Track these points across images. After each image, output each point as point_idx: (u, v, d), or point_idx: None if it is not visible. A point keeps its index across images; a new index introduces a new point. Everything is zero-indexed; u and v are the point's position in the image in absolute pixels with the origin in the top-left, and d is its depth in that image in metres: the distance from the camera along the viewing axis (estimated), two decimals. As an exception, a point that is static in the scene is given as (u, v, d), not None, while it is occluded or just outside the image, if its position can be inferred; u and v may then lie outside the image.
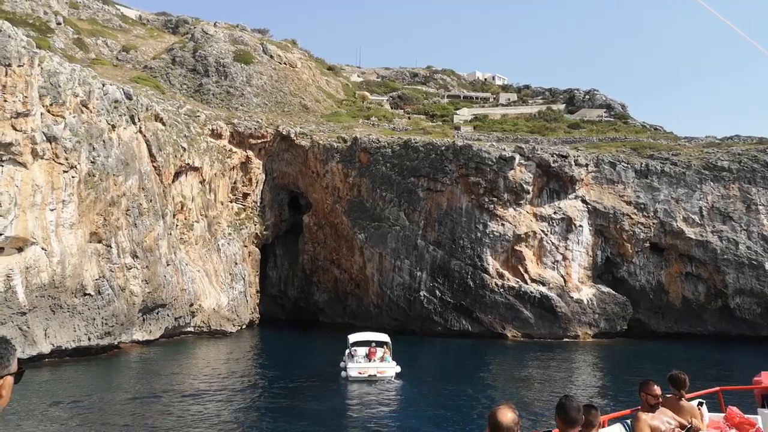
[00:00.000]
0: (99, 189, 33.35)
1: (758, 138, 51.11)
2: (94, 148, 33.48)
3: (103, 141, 34.45)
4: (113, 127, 35.70)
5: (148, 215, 37.77)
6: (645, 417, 6.33)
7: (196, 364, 33.79)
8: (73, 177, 31.03)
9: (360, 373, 28.05)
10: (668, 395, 7.12)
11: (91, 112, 33.97)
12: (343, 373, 28.90)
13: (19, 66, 27.51)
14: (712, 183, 45.00)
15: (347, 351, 30.37)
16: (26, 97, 27.64)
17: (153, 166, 40.49)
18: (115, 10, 69.46)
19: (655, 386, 6.50)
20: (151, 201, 38.52)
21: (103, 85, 36.11)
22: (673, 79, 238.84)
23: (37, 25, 53.05)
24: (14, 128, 27.21)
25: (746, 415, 7.89)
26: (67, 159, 30.44)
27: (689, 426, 6.49)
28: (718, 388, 9.17)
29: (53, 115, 29.98)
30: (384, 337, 31.18)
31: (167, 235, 39.93)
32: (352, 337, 30.90)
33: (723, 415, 7.99)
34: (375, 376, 28.01)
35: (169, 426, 20.59)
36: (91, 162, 33.02)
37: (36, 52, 29.21)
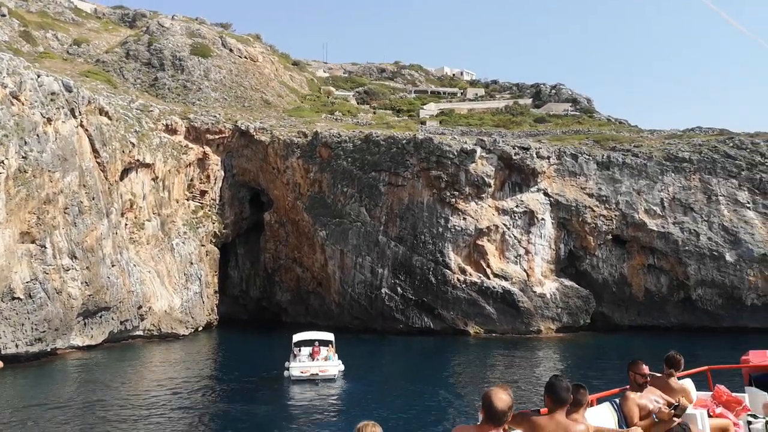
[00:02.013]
0: (31, 186, 31.05)
1: (719, 129, 50.62)
2: (26, 143, 31.19)
3: (37, 135, 32.16)
4: (49, 120, 33.38)
5: (90, 214, 35.52)
6: (633, 396, 6.40)
7: (137, 370, 31.88)
8: (0, 173, 28.71)
9: (302, 373, 27.46)
10: (657, 374, 7.16)
11: (22, 104, 31.64)
12: (285, 373, 28.15)
13: (-70, 52, 25.17)
14: (673, 174, 44.24)
15: (291, 351, 29.61)
16: (-61, 85, 25.31)
17: (96, 162, 38.24)
18: (68, 2, 66.54)
19: (644, 366, 6.55)
20: (93, 199, 36.26)
21: (38, 76, 33.76)
22: (641, 72, 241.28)
23: (-21, 17, 50.18)
24: (-74, 119, 24.85)
25: (733, 394, 7.94)
26: (-9, 153, 28.10)
27: (677, 404, 6.44)
28: (706, 368, 9.12)
29: (-25, 106, 27.63)
30: (328, 336, 30.78)
31: (112, 234, 37.70)
32: (296, 337, 30.35)
33: (711, 393, 8.02)
34: (317, 375, 27.45)
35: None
36: (23, 157, 30.72)
37: (-49, 38, 26.83)
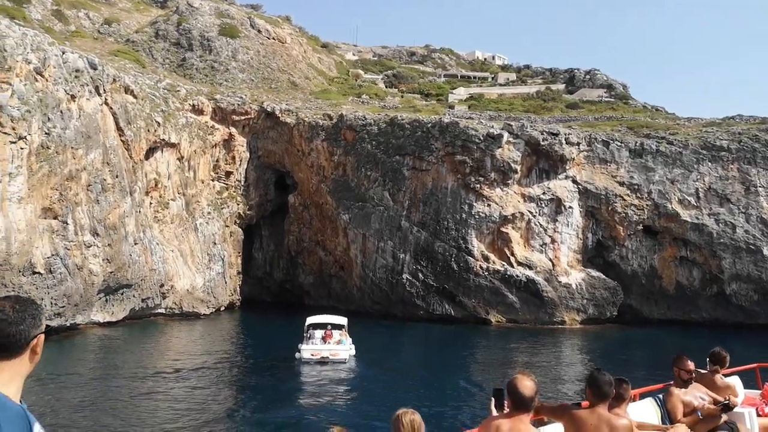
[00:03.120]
0: (54, 162, 31.14)
1: (761, 117, 48.08)
2: (49, 119, 31.24)
3: (61, 111, 32.20)
4: (73, 97, 33.39)
5: (113, 191, 35.61)
6: (677, 392, 6.27)
7: (155, 347, 32.22)
8: (21, 148, 28.85)
9: (313, 355, 27.69)
10: (702, 371, 7.00)
11: (46, 80, 31.66)
12: (297, 355, 28.31)
13: (-47, 26, 25.20)
14: (709, 163, 42.23)
15: (304, 334, 29.76)
16: (-39, 60, 25.36)
17: (121, 140, 38.27)
18: (101, -17, 66.78)
19: (689, 361, 6.40)
20: (117, 177, 36.35)
21: (63, 53, 33.74)
22: (681, 60, 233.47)
23: (13, -4, 50.61)
24: (-52, 93, 24.95)
25: None
26: (14, 129, 28.22)
27: (726, 401, 6.29)
28: (755, 365, 8.89)
29: (-3, 81, 27.69)
30: (341, 320, 30.90)
31: (135, 212, 37.80)
32: (309, 320, 30.52)
33: (760, 392, 7.84)
34: (327, 358, 27.59)
35: (106, 406, 19.90)
36: (46, 133, 30.79)
37: (-26, 12, 26.82)
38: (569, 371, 29.33)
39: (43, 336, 2.24)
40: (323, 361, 27.49)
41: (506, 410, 4.19)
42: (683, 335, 38.02)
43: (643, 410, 6.04)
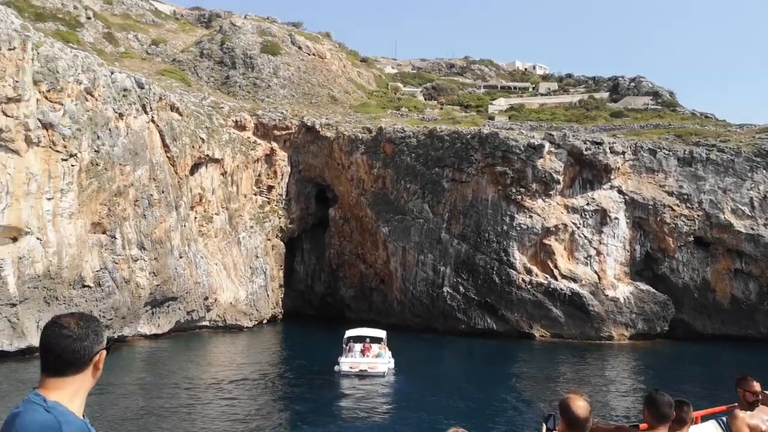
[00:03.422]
0: (103, 178, 32.14)
1: (820, 122, 45.77)
2: (98, 137, 32.30)
3: (109, 129, 33.26)
4: (121, 115, 34.47)
5: (159, 206, 36.48)
6: (743, 415, 5.98)
7: (199, 359, 32.73)
8: (72, 165, 29.89)
9: (351, 368, 27.87)
10: None
11: (96, 99, 32.79)
12: (336, 368, 28.49)
13: (9, 50, 26.40)
14: (764, 171, 40.40)
15: (343, 346, 30.01)
16: (17, 81, 26.52)
17: (167, 156, 39.24)
18: (149, 5, 69.33)
19: (754, 382, 6.13)
20: (163, 192, 37.24)
21: (112, 73, 34.94)
22: (732, 66, 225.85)
23: (67, 20, 52.97)
24: (5, 114, 26.12)
25: None
26: (65, 147, 29.28)
27: None
28: None
29: (50, 101, 28.85)
30: (380, 333, 30.98)
31: (180, 226, 38.61)
32: (348, 333, 30.72)
33: None
34: (366, 371, 27.71)
35: (151, 417, 20.28)
36: (95, 151, 31.84)
37: (29, 36, 28.07)
38: (620, 390, 28.43)
39: (105, 352, 2.29)
40: (362, 374, 27.59)
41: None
42: (740, 351, 36.30)
43: None
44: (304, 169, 52.88)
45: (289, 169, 51.84)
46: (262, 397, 24.13)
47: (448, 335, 41.24)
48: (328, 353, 32.64)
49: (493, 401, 24.53)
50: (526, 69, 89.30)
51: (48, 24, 49.65)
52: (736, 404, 6.24)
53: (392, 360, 29.45)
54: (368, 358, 28.81)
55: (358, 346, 30.08)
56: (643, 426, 4.54)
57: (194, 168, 42.90)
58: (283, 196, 51.40)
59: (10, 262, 26.47)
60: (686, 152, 42.16)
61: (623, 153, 42.29)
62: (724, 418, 6.13)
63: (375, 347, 29.95)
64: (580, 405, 3.81)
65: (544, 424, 4.36)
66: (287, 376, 28.32)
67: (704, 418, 6.21)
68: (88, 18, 56.18)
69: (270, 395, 24.50)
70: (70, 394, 2.25)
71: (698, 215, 40.80)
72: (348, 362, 28.35)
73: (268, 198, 50.70)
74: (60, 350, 2.24)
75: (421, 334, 41.43)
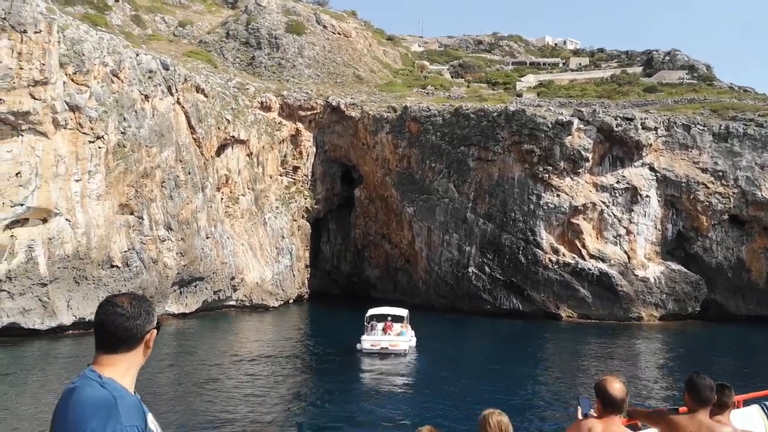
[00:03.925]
0: (130, 160, 32.57)
1: None
2: (124, 119, 32.69)
3: (135, 111, 33.62)
4: (147, 97, 34.78)
5: (186, 187, 36.89)
6: None
7: (226, 337, 33.33)
8: (99, 147, 30.35)
9: (372, 346, 28.18)
10: None
11: (122, 81, 33.12)
12: (358, 346, 28.80)
13: (35, 32, 26.73)
14: (805, 146, 38.72)
15: (365, 325, 30.24)
16: (43, 64, 26.88)
17: (193, 137, 39.57)
18: (176, -13, 69.40)
19: None
20: (189, 173, 37.63)
21: (137, 55, 35.20)
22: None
23: (95, 3, 53.48)
24: (32, 97, 26.56)
25: None
26: (92, 129, 29.71)
27: None
28: None
29: (77, 83, 29.24)
30: (402, 312, 31.15)
31: (207, 207, 39.03)
32: (370, 312, 30.96)
33: None
34: (387, 348, 27.96)
35: (175, 393, 20.86)
36: (122, 132, 32.25)
37: (54, 18, 28.33)
38: (651, 372, 28.08)
39: (155, 331, 2.37)
40: (383, 353, 27.85)
41: (593, 414, 4.09)
42: (776, 333, 35.27)
43: (749, 418, 5.57)
44: (329, 149, 52.78)
45: (314, 149, 51.82)
46: (283, 374, 24.51)
47: (474, 315, 41.09)
48: (352, 332, 32.85)
49: (519, 383, 24.30)
50: (556, 44, 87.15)
51: (77, 8, 50.17)
52: None
53: (414, 338, 29.65)
54: (390, 336, 29.04)
55: (380, 325, 30.29)
56: (682, 409, 4.50)
57: (220, 149, 43.16)
58: (309, 177, 51.46)
59: (41, 243, 27.14)
60: (722, 127, 40.71)
61: (655, 129, 41.12)
62: None
63: (396, 326, 30.11)
64: (616, 387, 3.85)
65: (579, 406, 4.35)
66: (310, 354, 28.76)
67: (746, 403, 5.98)
68: (116, 1, 56.62)
69: (291, 373, 24.88)
70: (123, 370, 2.33)
71: (734, 192, 39.51)
72: (369, 340, 28.64)
73: (294, 179, 50.84)
74: (114, 328, 2.32)
75: (446, 314, 41.38)
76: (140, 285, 31.40)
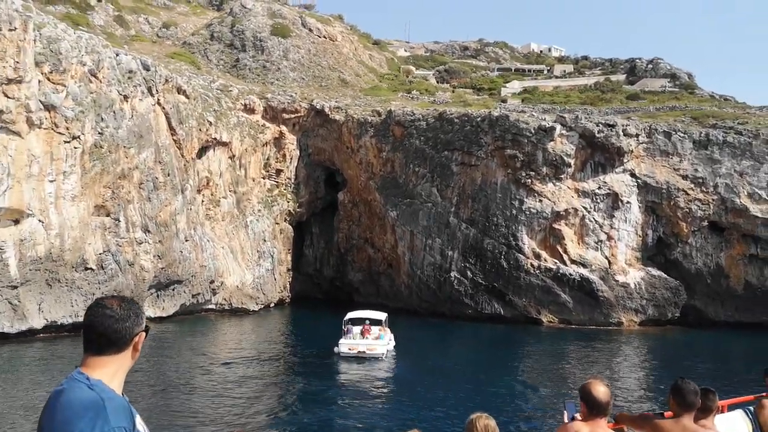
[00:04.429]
0: (107, 161, 32.01)
1: None
2: (102, 119, 32.13)
3: (114, 111, 33.07)
4: (126, 97, 34.25)
5: (165, 189, 36.35)
6: None
7: (203, 342, 32.83)
8: (75, 148, 29.79)
9: (350, 350, 27.98)
10: None
11: (100, 81, 32.58)
12: (335, 349, 28.59)
13: (10, 30, 26.18)
14: (784, 154, 39.03)
15: (344, 328, 30.08)
16: (18, 62, 26.31)
17: (173, 139, 39.05)
18: (160, -12, 68.83)
19: None
20: (168, 175, 37.09)
21: (117, 55, 34.67)
22: (754, 47, 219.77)
23: (77, 2, 52.78)
24: (5, 95, 25.98)
25: None
26: (68, 129, 29.14)
27: None
28: None
29: (53, 82, 28.67)
30: (380, 315, 31.00)
31: (187, 210, 38.50)
32: (348, 315, 30.76)
33: None
34: (365, 353, 27.80)
35: (148, 398, 20.59)
36: (99, 133, 31.69)
37: (30, 16, 27.78)
38: (633, 376, 28.08)
39: (144, 334, 2.40)
40: (360, 356, 27.74)
41: (578, 417, 4.14)
42: (755, 339, 35.52)
43: (733, 423, 5.66)
44: (313, 152, 52.50)
45: (298, 152, 51.50)
46: (258, 378, 24.21)
47: (456, 320, 40.99)
48: (332, 336, 32.57)
49: (501, 387, 24.14)
50: (541, 51, 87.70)
51: (58, 7, 49.47)
52: (765, 394, 6.07)
53: (392, 342, 29.57)
54: (367, 340, 28.94)
55: (357, 328, 30.17)
56: (668, 414, 4.57)
57: (201, 151, 42.69)
58: (292, 180, 51.12)
59: (12, 245, 26.49)
60: (702, 135, 40.96)
61: (637, 135, 41.25)
62: (752, 408, 5.93)
63: (375, 329, 30.02)
64: (601, 390, 3.92)
65: (564, 410, 4.41)
66: (287, 358, 28.50)
67: (731, 408, 6.07)
68: (99, 1, 55.95)
69: (266, 377, 24.61)
70: (111, 372, 2.35)
71: (713, 199, 39.74)
72: (347, 344, 28.43)
73: (277, 182, 50.46)
74: (103, 330, 2.35)
75: (428, 319, 41.30)
76: (115, 288, 30.76)
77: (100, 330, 2.35)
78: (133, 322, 2.39)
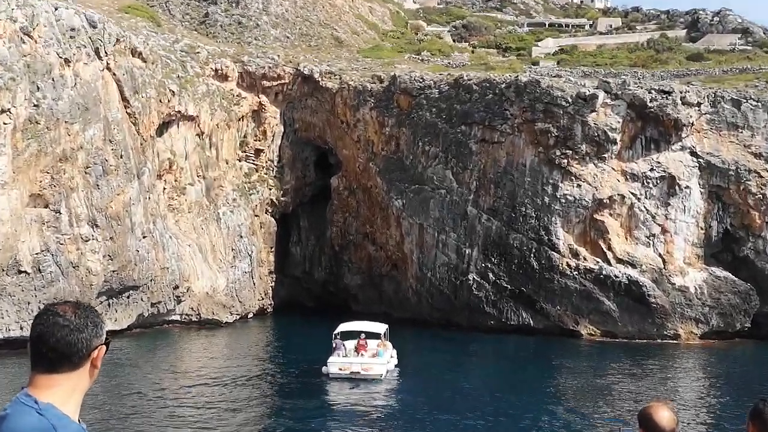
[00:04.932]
0: (44, 140, 32.05)
1: None
2: (38, 88, 32.16)
3: (53, 79, 33.10)
4: (67, 61, 34.20)
5: (117, 174, 36.39)
6: None
7: (166, 360, 33.42)
8: (5, 123, 29.85)
9: (341, 370, 28.26)
10: None
11: (35, 42, 32.53)
12: (323, 369, 28.84)
13: None
14: None
15: (333, 343, 30.31)
16: (-70, 19, 26.20)
17: (127, 112, 39.07)
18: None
19: None
20: (121, 157, 37.12)
21: (56, 9, 34.55)
22: None
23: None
24: None
25: None
26: (-5, 101, 29.03)
27: None
28: None
29: (-26, 44, 28.56)
30: (379, 327, 31.48)
31: (144, 199, 38.56)
32: (340, 327, 31.10)
33: None
34: (359, 373, 28.03)
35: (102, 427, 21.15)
36: (34, 105, 31.73)
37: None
38: (697, 400, 28.55)
39: (104, 347, 2.40)
40: (354, 378, 27.88)
41: None
42: None
43: None
44: (300, 128, 52.46)
45: (281, 128, 51.50)
46: (232, 405, 24.51)
47: (474, 332, 41.16)
48: (323, 353, 32.82)
49: (528, 416, 24.22)
50: (582, 1, 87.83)
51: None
52: None
53: (394, 359, 29.86)
54: (363, 358, 29.06)
55: (351, 343, 30.34)
56: None
57: (162, 127, 42.67)
58: (275, 163, 51.17)
59: (-72, 243, 26.54)
60: (780, 103, 41.00)
61: (698, 105, 41.32)
62: None
63: (372, 344, 30.19)
64: (664, 415, 3.96)
65: None
66: (266, 381, 28.75)
67: None
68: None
69: (241, 403, 24.86)
70: (65, 394, 2.34)
71: (793, 183, 39.81)
72: (337, 363, 28.59)
73: (256, 164, 50.47)
74: (55, 342, 2.33)
75: (440, 331, 41.50)
76: (55, 295, 30.72)
77: (52, 343, 2.33)
78: (92, 332, 2.38)
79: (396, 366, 30.02)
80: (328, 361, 28.97)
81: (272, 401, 25.61)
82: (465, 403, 25.95)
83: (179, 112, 43.54)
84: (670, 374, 33.79)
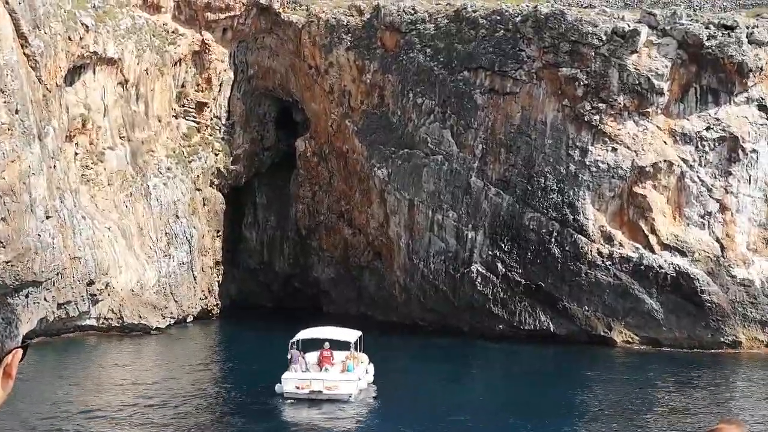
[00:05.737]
0: None
1: None
2: None
3: (-77, 11, 32.87)
4: (-57, -12, 34.04)
5: (10, 135, 36.37)
6: None
7: (72, 378, 33.22)
8: None
9: (298, 389, 28.95)
10: None
11: None
12: (277, 387, 29.52)
13: None
14: None
15: (288, 354, 31.06)
16: None
17: (25, 54, 39.01)
18: None
19: None
20: (16, 112, 37.11)
21: None
22: None
23: None
24: None
25: None
26: None
27: None
28: None
29: None
30: (348, 335, 32.16)
31: (48, 168, 38.63)
32: (299, 335, 31.85)
33: None
34: (321, 393, 28.74)
35: None
36: None
37: None
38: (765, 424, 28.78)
39: (20, 352, 2.34)
40: (315, 399, 28.48)
41: None
42: None
43: None
44: (256, 75, 52.89)
45: (231, 75, 51.89)
46: None
47: (478, 339, 41.71)
48: (282, 367, 33.36)
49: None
50: None
51: None
52: None
53: (369, 376, 30.57)
54: (327, 374, 29.60)
55: (312, 355, 30.88)
56: None
57: (73, 74, 42.87)
58: (222, 120, 51.63)
59: None
60: None
61: (769, 44, 41.81)
62: None
63: (339, 356, 30.70)
64: None
65: None
66: (206, 402, 29.23)
67: None
68: None
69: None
70: None
71: None
72: (294, 380, 29.18)
73: (198, 123, 50.80)
74: None
75: (434, 339, 41.83)
76: (-70, 293, 31.22)
77: None
78: (3, 332, 2.30)
79: (371, 384, 30.53)
80: (282, 377, 29.44)
81: (212, 429, 26.09)
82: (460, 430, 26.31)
83: (95, 53, 43.64)
84: (729, 392, 34.30)
